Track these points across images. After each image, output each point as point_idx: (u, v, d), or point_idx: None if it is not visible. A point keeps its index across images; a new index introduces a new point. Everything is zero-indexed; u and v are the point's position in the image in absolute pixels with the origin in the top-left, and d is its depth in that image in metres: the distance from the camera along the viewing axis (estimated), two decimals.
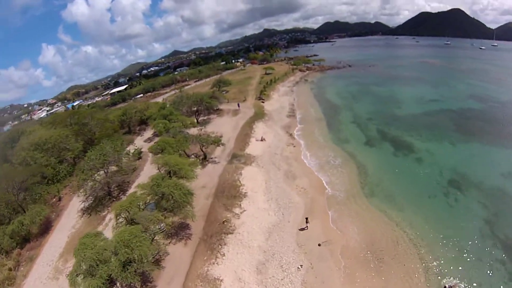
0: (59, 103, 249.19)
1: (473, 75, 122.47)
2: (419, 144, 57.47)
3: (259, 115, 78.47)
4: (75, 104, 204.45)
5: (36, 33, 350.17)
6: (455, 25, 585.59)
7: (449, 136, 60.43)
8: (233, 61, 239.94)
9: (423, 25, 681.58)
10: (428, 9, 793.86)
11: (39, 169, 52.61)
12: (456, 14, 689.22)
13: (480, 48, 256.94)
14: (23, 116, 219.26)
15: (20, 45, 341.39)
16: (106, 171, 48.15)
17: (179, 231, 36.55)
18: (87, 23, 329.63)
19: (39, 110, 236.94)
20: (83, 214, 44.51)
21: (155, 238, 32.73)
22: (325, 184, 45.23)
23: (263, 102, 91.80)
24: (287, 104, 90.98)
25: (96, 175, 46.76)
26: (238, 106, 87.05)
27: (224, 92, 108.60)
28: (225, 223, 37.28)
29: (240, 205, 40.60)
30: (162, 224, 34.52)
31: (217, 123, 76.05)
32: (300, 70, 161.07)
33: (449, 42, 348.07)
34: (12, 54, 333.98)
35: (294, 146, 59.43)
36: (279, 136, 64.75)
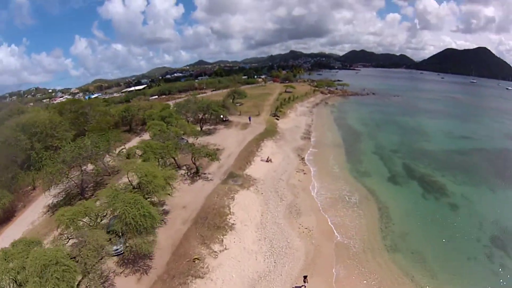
0: (81, 93, 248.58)
1: (505, 115, 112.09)
2: (453, 187, 47.10)
3: (270, 132, 69.38)
4: (93, 96, 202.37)
5: (71, 24, 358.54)
6: (480, 64, 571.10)
7: (488, 180, 50.23)
8: (255, 76, 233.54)
9: (448, 61, 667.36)
10: (454, 46, 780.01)
11: (21, 152, 47.60)
12: (482, 53, 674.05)
13: (507, 89, 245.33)
14: (45, 100, 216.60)
15: (55, 34, 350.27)
16: (81, 167, 41.05)
17: (138, 260, 27.86)
18: (120, 22, 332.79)
19: (60, 97, 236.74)
20: (47, 211, 38.12)
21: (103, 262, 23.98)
22: (334, 228, 35.17)
23: (277, 119, 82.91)
24: (304, 125, 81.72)
25: (67, 170, 39.18)
26: (249, 120, 78.39)
27: (238, 104, 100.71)
28: (196, 261, 28.05)
29: (222, 240, 31.24)
30: (120, 246, 27.25)
31: (222, 135, 67.66)
32: (322, 93, 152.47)
33: (475, 81, 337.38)
34: (46, 40, 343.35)
35: (305, 174, 49.62)
36: (288, 159, 55.19)
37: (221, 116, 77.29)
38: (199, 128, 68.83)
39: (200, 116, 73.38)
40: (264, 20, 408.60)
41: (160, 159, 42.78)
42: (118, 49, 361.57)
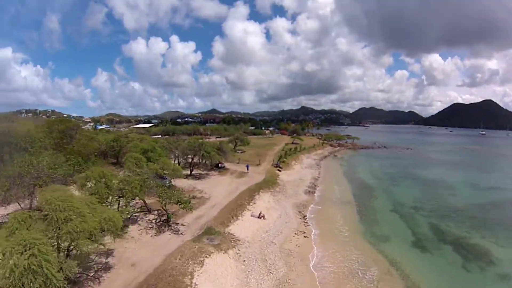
0: (92, 123, 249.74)
1: None
2: (497, 251, 35.61)
3: (268, 183, 59.06)
4: (101, 127, 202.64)
5: (96, 56, 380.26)
6: (487, 116, 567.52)
7: None
8: (263, 128, 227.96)
9: (456, 116, 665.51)
10: (460, 100, 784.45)
11: None
12: (488, 106, 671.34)
13: None
14: None
15: (80, 63, 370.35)
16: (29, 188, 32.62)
17: None
18: (141, 62, 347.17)
19: None
20: None
21: None
22: None
23: (279, 170, 72.94)
24: (309, 178, 71.31)
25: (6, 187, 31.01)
26: (247, 168, 68.66)
27: (239, 152, 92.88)
28: None
29: None
30: None
31: (213, 182, 58.02)
32: (331, 145, 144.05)
33: (484, 132, 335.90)
34: (71, 68, 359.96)
35: (306, 237, 38.08)
36: (286, 217, 44.08)
37: (217, 162, 68.52)
38: (185, 171, 58.91)
39: (191, 158, 64.02)
40: (278, 74, 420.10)
41: (118, 198, 33.35)
42: (135, 88, 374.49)
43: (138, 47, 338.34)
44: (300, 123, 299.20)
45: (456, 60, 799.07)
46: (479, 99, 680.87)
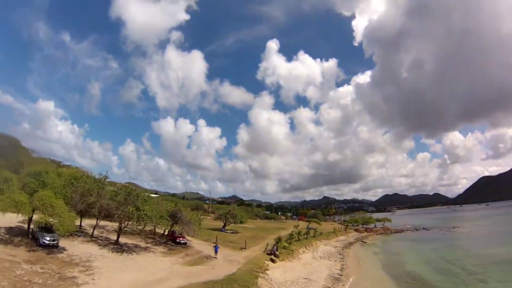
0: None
1: None
2: None
3: (235, 283, 28.41)
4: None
5: (127, 127, 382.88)
6: None
7: None
8: (279, 213, 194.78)
9: (486, 189, 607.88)
10: (486, 173, 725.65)
11: None
12: None
13: None
14: None
15: (112, 130, 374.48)
16: None
17: None
18: (167, 140, 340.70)
19: None
20: None
21: None
22: None
23: (273, 261, 42.44)
24: (325, 274, 40.67)
25: None
26: (215, 251, 40.28)
27: (229, 232, 65.61)
28: None
29: None
30: None
31: (135, 262, 32.57)
32: (356, 231, 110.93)
33: None
34: (103, 133, 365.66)
35: None
36: None
37: (177, 234, 45.08)
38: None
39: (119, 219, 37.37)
40: (301, 164, 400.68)
41: None
42: (160, 164, 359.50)
43: (167, 126, 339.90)
44: (322, 210, 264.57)
45: (476, 134, 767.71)
46: (507, 168, 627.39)
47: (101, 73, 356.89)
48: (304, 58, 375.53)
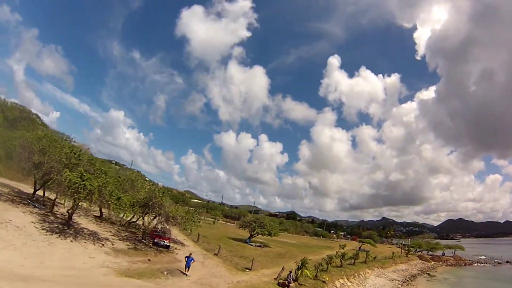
0: None
1: None
2: None
3: None
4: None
5: (189, 139, 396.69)
6: None
7: None
8: (331, 231, 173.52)
9: None
10: None
11: None
12: None
13: None
14: None
15: (175, 141, 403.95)
16: None
17: None
18: (228, 153, 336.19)
19: None
20: None
21: None
22: None
23: None
24: None
25: None
26: (187, 266, 25.74)
27: (254, 245, 52.46)
28: None
29: None
30: None
31: (41, 247, 16.77)
32: (420, 258, 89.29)
33: None
34: (166, 143, 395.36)
35: None
36: None
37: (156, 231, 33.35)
38: None
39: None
40: (361, 183, 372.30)
41: None
42: (220, 175, 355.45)
43: (228, 139, 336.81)
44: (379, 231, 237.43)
45: None
46: None
47: (166, 87, 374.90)
48: (366, 74, 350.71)
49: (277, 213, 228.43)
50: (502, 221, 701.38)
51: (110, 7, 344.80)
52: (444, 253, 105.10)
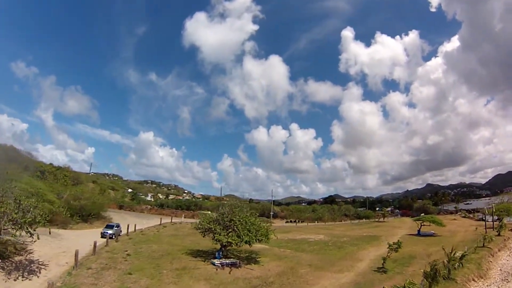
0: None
1: None
2: None
3: None
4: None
5: (222, 143, 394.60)
6: None
7: None
8: (377, 209, 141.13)
9: None
10: None
11: None
12: None
13: None
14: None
15: (207, 148, 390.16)
16: None
17: None
18: (263, 149, 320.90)
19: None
20: None
21: None
22: None
23: None
24: None
25: None
26: None
27: (222, 265, 26.22)
28: None
29: None
30: None
31: None
32: None
33: None
34: (200, 152, 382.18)
35: None
36: None
37: None
38: None
39: None
40: (400, 152, 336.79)
41: None
42: (258, 173, 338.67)
43: (260, 135, 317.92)
44: (430, 198, 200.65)
45: None
46: None
47: (188, 99, 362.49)
48: (382, 39, 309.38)
49: (321, 199, 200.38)
50: None
51: (117, 39, 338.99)
52: None
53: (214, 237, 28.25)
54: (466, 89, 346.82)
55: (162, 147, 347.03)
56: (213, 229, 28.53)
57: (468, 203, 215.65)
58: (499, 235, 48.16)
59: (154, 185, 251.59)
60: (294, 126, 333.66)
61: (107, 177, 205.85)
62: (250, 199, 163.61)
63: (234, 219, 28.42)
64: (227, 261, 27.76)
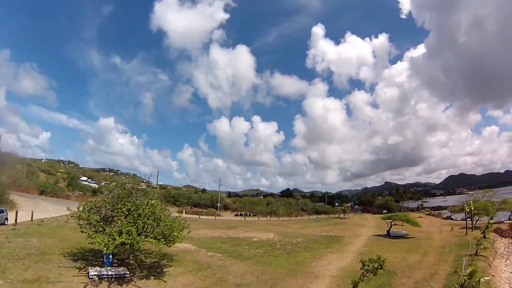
0: None
1: None
2: None
3: None
4: None
5: (183, 133, 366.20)
6: None
7: None
8: (336, 204, 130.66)
9: None
10: None
11: None
12: None
13: None
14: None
15: (168, 137, 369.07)
16: None
17: None
18: (224, 140, 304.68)
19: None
20: None
21: None
22: None
23: None
24: None
25: None
26: None
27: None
28: None
29: None
30: None
31: None
32: (501, 234, 48.91)
33: None
34: (160, 141, 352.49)
35: None
36: None
37: None
38: None
39: None
40: (361, 150, 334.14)
41: None
42: (219, 164, 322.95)
43: (221, 126, 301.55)
44: (390, 195, 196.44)
45: None
46: None
47: (152, 86, 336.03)
48: (352, 39, 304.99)
49: (280, 193, 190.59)
50: (502, 171, 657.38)
51: (81, 17, 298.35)
52: (503, 220, 66.08)
53: (89, 235, 16.19)
54: (428, 94, 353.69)
55: (123, 134, 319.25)
56: (92, 223, 16.48)
57: (424, 201, 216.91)
58: (484, 237, 39.62)
59: (112, 173, 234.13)
60: (256, 118, 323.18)
61: (62, 164, 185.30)
62: (204, 189, 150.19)
63: (119, 207, 16.49)
64: (111, 272, 15.90)
